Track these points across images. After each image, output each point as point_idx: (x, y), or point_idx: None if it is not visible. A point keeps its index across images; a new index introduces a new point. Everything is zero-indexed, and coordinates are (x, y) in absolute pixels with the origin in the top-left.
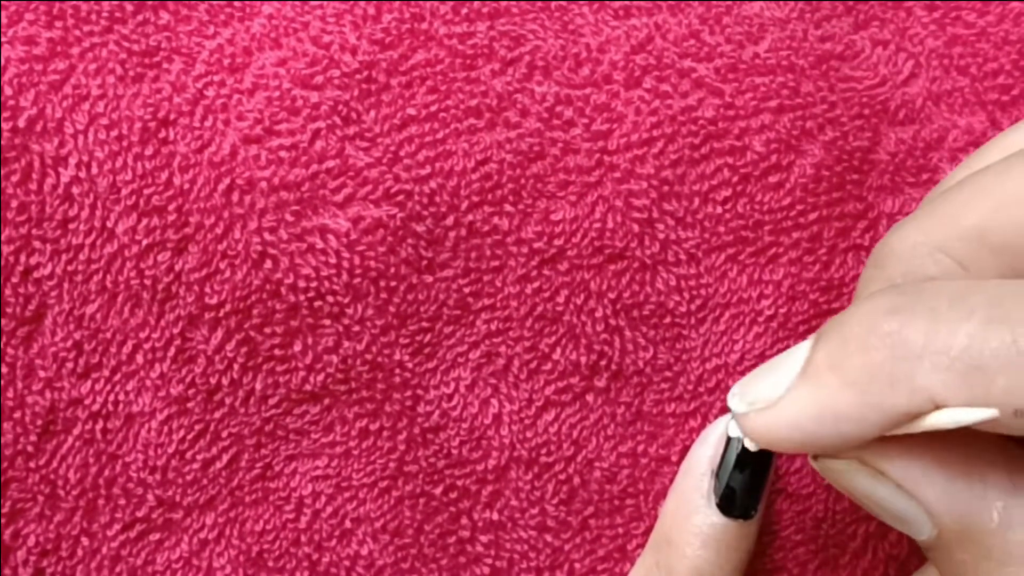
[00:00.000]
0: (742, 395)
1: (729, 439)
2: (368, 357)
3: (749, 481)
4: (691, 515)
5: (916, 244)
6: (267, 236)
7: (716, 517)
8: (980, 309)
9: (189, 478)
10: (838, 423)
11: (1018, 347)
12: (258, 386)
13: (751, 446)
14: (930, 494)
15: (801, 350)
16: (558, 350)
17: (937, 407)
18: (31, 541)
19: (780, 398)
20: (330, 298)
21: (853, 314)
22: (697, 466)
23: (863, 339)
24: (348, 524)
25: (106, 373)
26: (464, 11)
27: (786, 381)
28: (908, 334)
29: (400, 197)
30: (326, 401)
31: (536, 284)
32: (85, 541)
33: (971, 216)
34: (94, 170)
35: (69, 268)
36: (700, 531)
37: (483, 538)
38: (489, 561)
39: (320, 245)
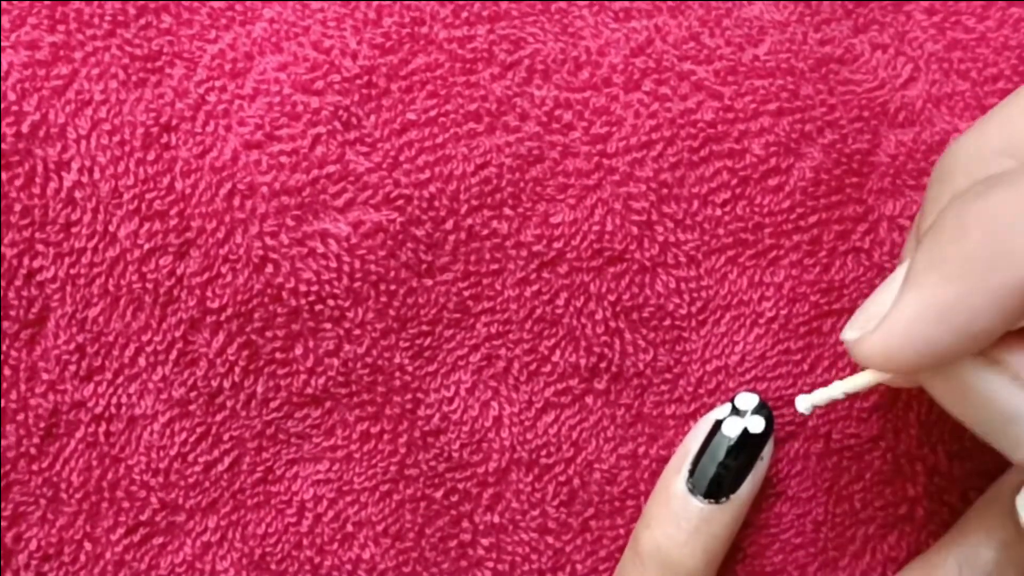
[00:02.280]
0: (852, 325)
1: (716, 423)
2: (368, 360)
3: (724, 465)
4: (661, 490)
5: (979, 149)
6: (268, 240)
7: (685, 496)
8: None
9: (191, 481)
10: (948, 319)
11: None
12: (259, 389)
13: (734, 432)
14: None
15: (903, 266)
16: (558, 352)
17: None
18: (33, 545)
19: (888, 313)
20: (331, 302)
21: (943, 212)
22: (685, 446)
23: (955, 228)
24: (350, 528)
25: (108, 376)
26: (464, 15)
27: (892, 296)
28: (997, 210)
29: (400, 201)
30: (327, 404)
31: (536, 287)
32: (88, 545)
33: None
34: (96, 175)
35: (72, 272)
36: (665, 505)
37: (484, 541)
38: (491, 564)
39: (321, 249)
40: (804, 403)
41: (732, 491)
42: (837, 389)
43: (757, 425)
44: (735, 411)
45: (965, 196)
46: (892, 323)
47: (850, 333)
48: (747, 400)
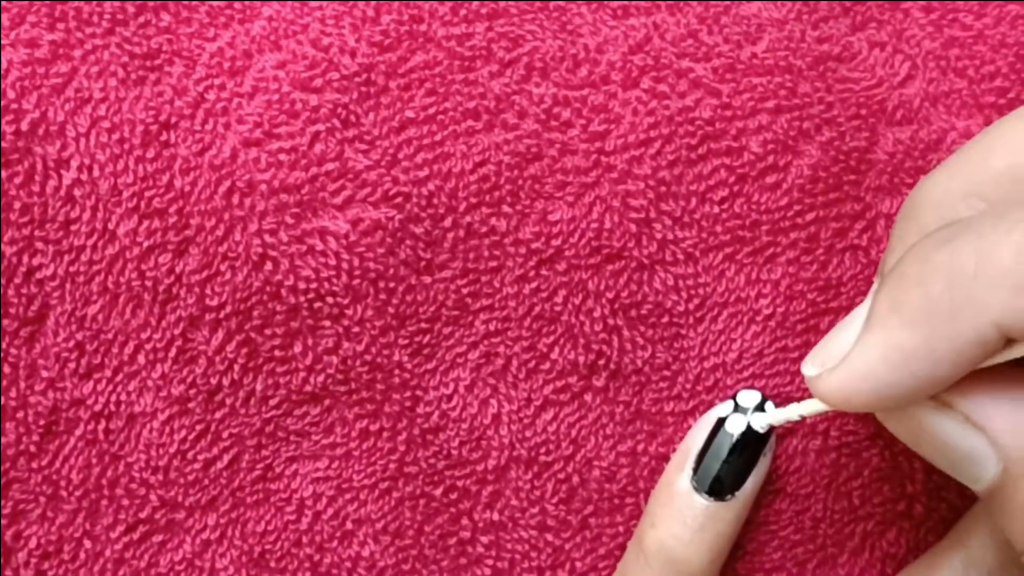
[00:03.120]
0: (812, 360)
1: (719, 420)
2: (368, 358)
3: (727, 463)
4: (664, 488)
5: (948, 190)
6: (267, 238)
7: (690, 494)
8: (1022, 221)
9: (191, 478)
10: (908, 364)
11: None
12: (258, 387)
13: (737, 429)
14: (998, 423)
15: (864, 305)
16: (556, 350)
17: (999, 331)
18: (32, 543)
19: (848, 352)
20: (330, 299)
21: (907, 256)
22: (687, 444)
23: (918, 275)
24: (349, 525)
25: (108, 374)
26: (462, 12)
27: (853, 335)
28: (959, 260)
29: (399, 199)
30: (326, 402)
31: (534, 284)
32: (88, 543)
33: (1001, 157)
34: (96, 172)
35: (71, 269)
36: (669, 504)
37: (484, 538)
38: (490, 562)
39: (320, 247)
40: (760, 421)
41: (736, 488)
42: (794, 411)
43: (759, 422)
44: (737, 408)
45: (929, 241)
46: (852, 364)
47: (810, 369)
48: (749, 397)
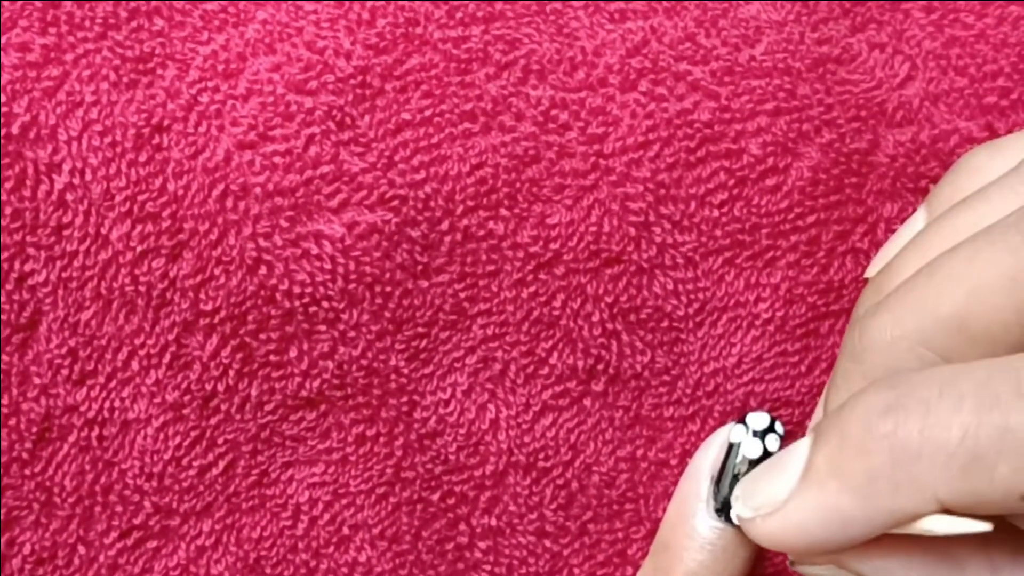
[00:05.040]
0: (745, 499)
1: (731, 445)
2: (364, 363)
3: None
4: (688, 519)
5: (894, 338)
6: (262, 242)
7: (713, 522)
8: (970, 396)
9: (186, 485)
10: (844, 527)
11: (1012, 431)
12: (254, 392)
13: (754, 453)
14: None
15: (801, 450)
16: (555, 354)
17: (941, 506)
18: (27, 549)
19: (784, 503)
20: (325, 304)
21: (848, 416)
22: (697, 471)
23: (861, 442)
24: (346, 531)
25: (101, 380)
26: (459, 15)
27: (789, 485)
28: (904, 433)
29: (395, 202)
30: (322, 407)
31: (532, 288)
32: (82, 549)
33: (947, 305)
34: (88, 176)
35: (64, 275)
36: (697, 536)
37: (481, 544)
38: (488, 567)
39: (315, 251)
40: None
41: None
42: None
43: (774, 444)
44: (748, 430)
45: (873, 404)
46: (787, 517)
47: (744, 511)
48: (760, 419)
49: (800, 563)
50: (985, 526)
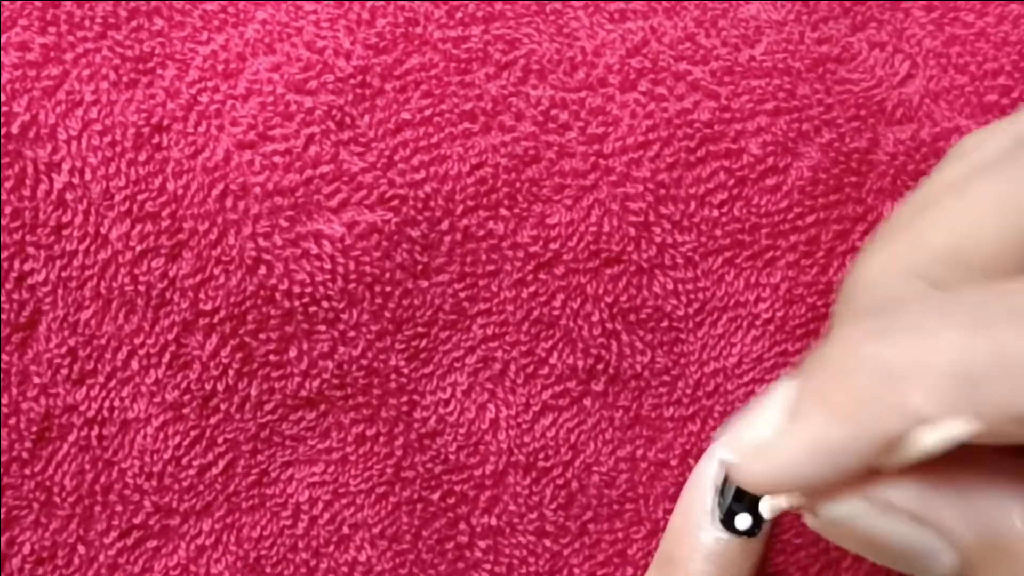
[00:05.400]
0: (730, 444)
1: None
2: (364, 363)
3: (753, 498)
4: (694, 531)
5: (885, 270)
6: (261, 242)
7: (719, 533)
8: (962, 317)
9: (185, 484)
10: (834, 457)
11: (1007, 351)
12: (253, 392)
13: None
14: (947, 516)
15: (784, 388)
16: (555, 354)
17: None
18: (26, 549)
19: (771, 441)
20: (325, 303)
21: (833, 344)
22: (701, 481)
23: (845, 367)
24: (346, 530)
25: (101, 379)
26: (458, 15)
27: (773, 422)
28: (891, 354)
29: (395, 202)
30: (322, 407)
31: (532, 288)
32: (81, 549)
33: (941, 236)
34: (88, 176)
35: (63, 274)
36: (703, 547)
37: (481, 543)
38: (488, 567)
39: (315, 250)
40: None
41: (764, 520)
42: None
43: None
44: None
45: (862, 329)
46: (775, 456)
47: (728, 455)
48: None
49: (816, 509)
50: (975, 426)
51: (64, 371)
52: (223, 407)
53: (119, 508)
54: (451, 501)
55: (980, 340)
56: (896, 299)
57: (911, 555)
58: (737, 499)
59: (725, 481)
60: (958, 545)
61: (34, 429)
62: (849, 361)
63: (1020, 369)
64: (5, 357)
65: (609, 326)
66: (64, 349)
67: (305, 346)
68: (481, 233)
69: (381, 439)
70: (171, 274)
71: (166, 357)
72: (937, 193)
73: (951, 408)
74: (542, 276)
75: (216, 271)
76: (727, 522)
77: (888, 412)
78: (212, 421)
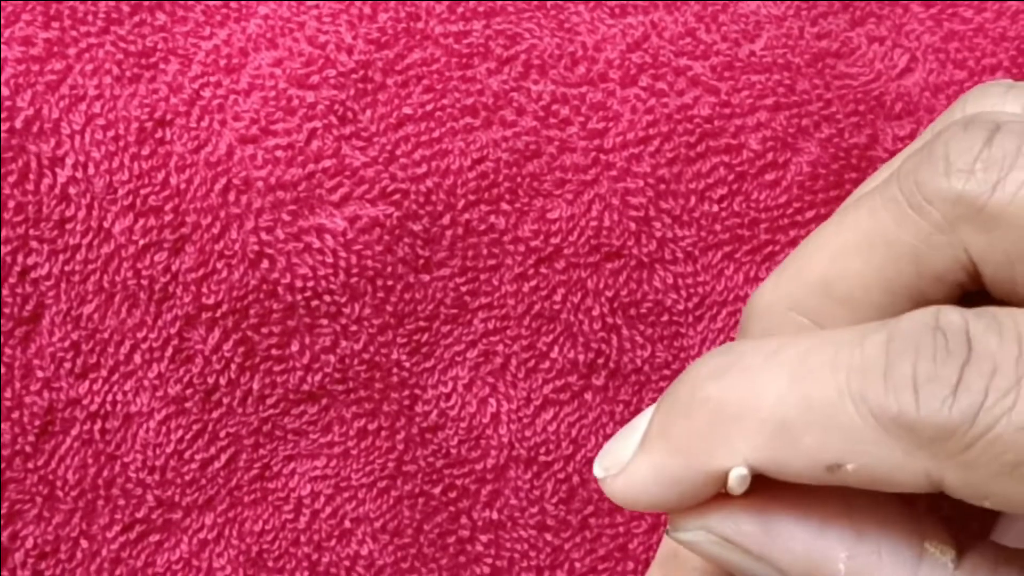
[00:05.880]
0: (599, 459)
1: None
2: (366, 357)
3: None
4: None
5: (771, 303)
6: (264, 236)
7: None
8: (787, 366)
9: (188, 478)
10: (673, 486)
11: (818, 403)
12: (256, 386)
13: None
14: (777, 553)
15: (647, 414)
16: (556, 348)
17: (754, 469)
18: (29, 543)
19: (627, 464)
20: (327, 298)
21: (681, 380)
22: None
23: (686, 405)
24: (347, 524)
25: (104, 373)
26: (460, 10)
27: (632, 447)
28: (725, 397)
29: (396, 196)
30: (324, 401)
31: (533, 283)
32: (84, 543)
33: (814, 269)
34: (91, 170)
35: (66, 268)
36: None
37: (483, 537)
38: (489, 560)
39: (317, 245)
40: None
41: None
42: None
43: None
44: None
45: (706, 368)
46: (629, 478)
47: (597, 471)
48: None
49: (672, 529)
50: (743, 479)
51: (67, 365)
52: (225, 401)
53: (122, 502)
54: (452, 495)
55: (797, 389)
56: (775, 332)
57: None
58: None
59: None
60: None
61: (37, 423)
62: (690, 399)
63: (827, 420)
64: (8, 351)
65: (610, 320)
66: (67, 343)
67: (307, 340)
68: (482, 227)
69: (383, 433)
70: (174, 268)
71: (169, 351)
72: (823, 224)
73: (770, 455)
74: (543, 270)
75: (219, 265)
76: None
77: (716, 452)
78: (214, 415)
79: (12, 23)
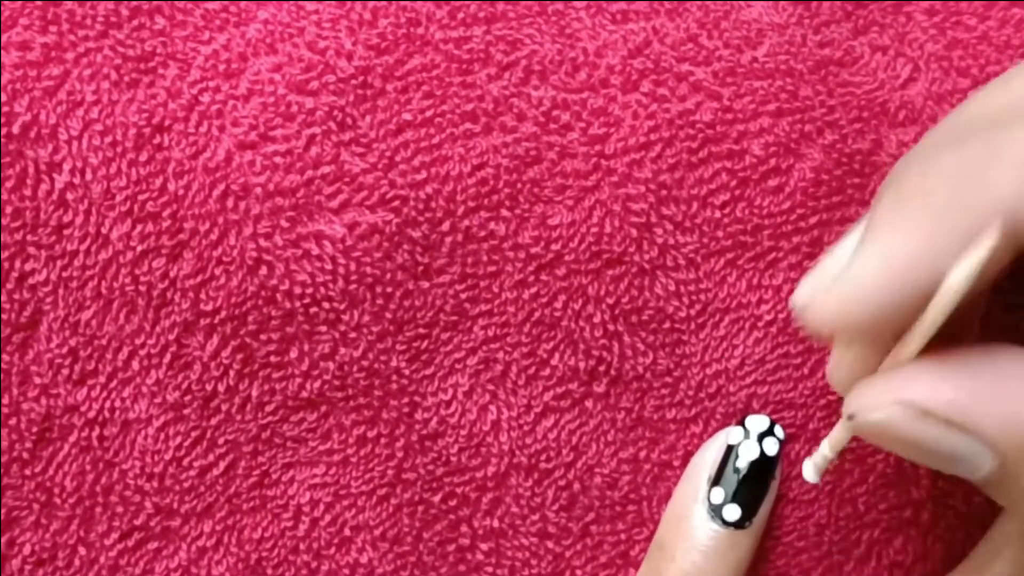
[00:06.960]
0: (802, 289)
1: (729, 447)
2: (365, 364)
3: (745, 491)
4: (683, 520)
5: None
6: (262, 242)
7: (707, 524)
8: None
9: (186, 485)
10: (910, 271)
11: None
12: (254, 393)
13: (751, 456)
14: (984, 422)
15: (854, 229)
16: (556, 356)
17: (1013, 216)
18: (27, 550)
19: (843, 271)
20: (326, 304)
21: (905, 167)
22: (695, 473)
23: (921, 179)
24: (347, 532)
25: (102, 380)
26: (460, 16)
27: (840, 263)
28: (968, 155)
29: (396, 202)
30: (323, 408)
31: (534, 289)
32: (82, 550)
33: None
34: (88, 176)
35: (64, 274)
36: (690, 536)
37: (483, 545)
38: (490, 569)
39: (316, 251)
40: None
41: (754, 514)
42: (825, 449)
43: (772, 447)
44: (747, 434)
45: (928, 147)
46: (848, 284)
47: (802, 296)
48: (758, 422)
49: (859, 414)
50: (992, 237)
51: (65, 371)
52: (224, 408)
53: (120, 509)
54: (452, 503)
55: None
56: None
57: (950, 459)
58: (729, 491)
59: (720, 473)
60: (996, 450)
61: (35, 430)
62: (925, 172)
63: None
64: (6, 357)
65: (611, 327)
66: (65, 349)
67: (306, 347)
68: (482, 234)
69: (382, 440)
70: (172, 274)
71: (167, 358)
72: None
73: None
74: (543, 277)
75: (217, 271)
76: (715, 513)
77: (968, 211)
78: (213, 422)
79: (10, 27)
